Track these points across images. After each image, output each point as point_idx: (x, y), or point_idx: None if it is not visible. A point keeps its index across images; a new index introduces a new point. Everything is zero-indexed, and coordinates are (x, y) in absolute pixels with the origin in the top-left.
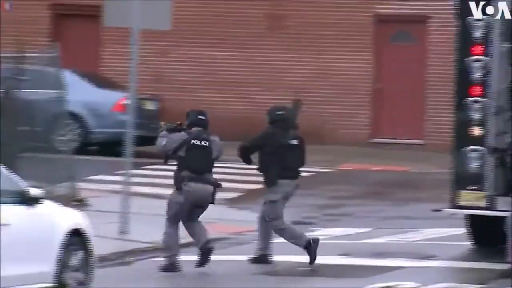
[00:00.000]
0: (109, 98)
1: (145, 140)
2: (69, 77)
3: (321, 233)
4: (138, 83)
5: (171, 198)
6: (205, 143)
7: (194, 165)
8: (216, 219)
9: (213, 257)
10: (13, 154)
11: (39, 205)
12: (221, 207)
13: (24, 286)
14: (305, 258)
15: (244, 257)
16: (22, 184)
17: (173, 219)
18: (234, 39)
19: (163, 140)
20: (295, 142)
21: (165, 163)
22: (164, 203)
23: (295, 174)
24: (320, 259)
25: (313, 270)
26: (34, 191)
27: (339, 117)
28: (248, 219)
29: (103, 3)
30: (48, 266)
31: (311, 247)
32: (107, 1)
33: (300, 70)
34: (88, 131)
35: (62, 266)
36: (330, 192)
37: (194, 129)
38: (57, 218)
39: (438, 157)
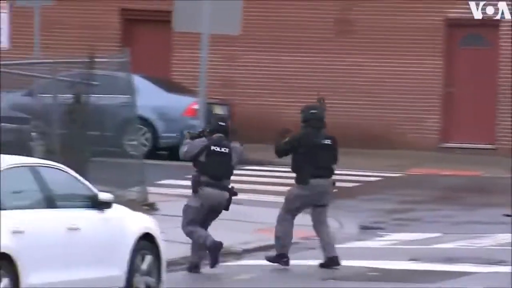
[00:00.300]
0: (179, 103)
1: None
2: (139, 82)
3: (390, 238)
4: (207, 88)
5: (188, 203)
6: (225, 150)
7: (213, 171)
8: None
9: None
10: (84, 159)
11: (109, 210)
12: None
13: None
14: (375, 263)
15: (313, 262)
16: (92, 188)
17: (189, 225)
18: (302, 43)
19: (185, 147)
20: (327, 141)
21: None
22: (233, 207)
23: (327, 173)
24: (389, 264)
25: (382, 275)
26: (104, 196)
27: (408, 122)
28: None
29: (173, 8)
30: (118, 270)
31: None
32: (176, 7)
33: (369, 74)
34: (158, 136)
35: (133, 270)
36: (398, 196)
37: (216, 135)
38: (127, 222)
39: (509, 162)
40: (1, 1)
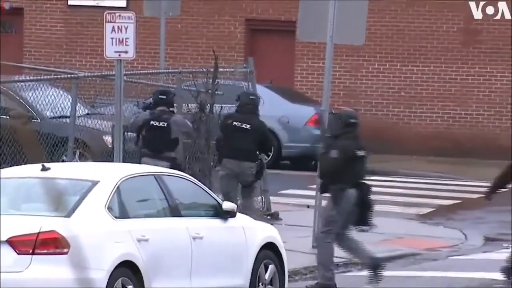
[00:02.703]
0: (302, 113)
1: None
2: (263, 92)
3: None
4: (330, 97)
5: None
6: (163, 124)
7: (152, 144)
8: (406, 234)
9: (406, 273)
10: (208, 168)
11: (232, 219)
12: (411, 222)
13: None
14: (500, 275)
15: (436, 273)
16: (216, 197)
17: None
18: (426, 53)
19: (132, 120)
20: (245, 125)
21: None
22: None
23: (241, 155)
24: None
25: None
26: (228, 205)
27: None
28: (440, 235)
29: (297, 18)
30: (242, 279)
31: None
32: (301, 17)
33: (495, 84)
34: (281, 146)
35: (256, 280)
36: None
37: (158, 109)
38: (250, 232)
39: None
40: (128, 12)
